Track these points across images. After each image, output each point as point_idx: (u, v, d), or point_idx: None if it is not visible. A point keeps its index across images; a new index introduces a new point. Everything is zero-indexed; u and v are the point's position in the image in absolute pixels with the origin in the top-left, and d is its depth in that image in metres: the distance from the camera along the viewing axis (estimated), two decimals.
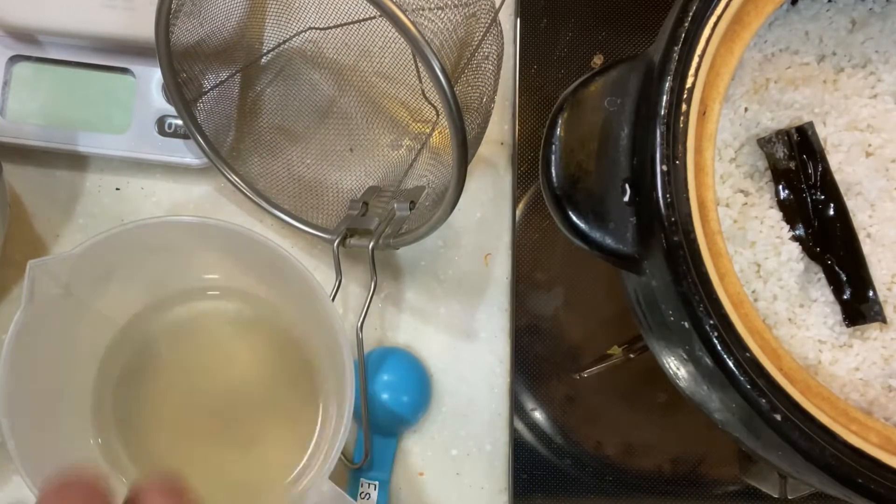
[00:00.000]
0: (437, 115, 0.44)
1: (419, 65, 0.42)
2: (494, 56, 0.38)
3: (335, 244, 0.42)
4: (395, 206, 0.41)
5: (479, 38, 0.36)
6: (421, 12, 0.33)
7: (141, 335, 0.41)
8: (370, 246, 0.40)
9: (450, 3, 0.34)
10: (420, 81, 0.43)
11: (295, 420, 0.41)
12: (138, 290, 0.41)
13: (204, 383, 0.41)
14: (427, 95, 0.44)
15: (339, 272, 0.41)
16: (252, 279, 0.41)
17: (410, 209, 0.40)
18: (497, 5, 0.37)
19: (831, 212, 0.33)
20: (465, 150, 0.33)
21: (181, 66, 0.40)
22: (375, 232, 0.40)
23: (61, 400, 0.38)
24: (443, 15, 0.34)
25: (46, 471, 0.33)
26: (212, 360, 0.42)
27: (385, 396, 0.43)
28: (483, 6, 0.36)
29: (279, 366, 0.42)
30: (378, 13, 0.30)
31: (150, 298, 0.41)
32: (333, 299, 0.41)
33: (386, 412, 0.43)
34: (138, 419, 0.40)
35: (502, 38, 0.38)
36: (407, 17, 0.29)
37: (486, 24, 0.36)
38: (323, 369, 0.41)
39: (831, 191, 0.33)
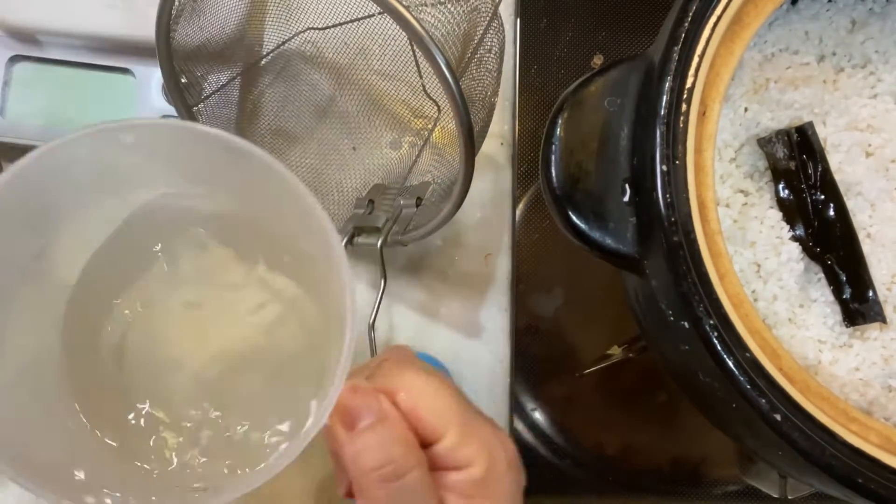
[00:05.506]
0: (439, 111, 0.44)
1: (420, 61, 0.42)
2: (497, 49, 0.38)
3: (343, 243, 0.41)
4: (402, 203, 0.41)
5: (482, 31, 0.36)
6: (423, 8, 0.33)
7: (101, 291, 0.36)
8: (379, 244, 0.40)
9: None
10: (421, 78, 0.43)
11: (294, 368, 0.37)
12: (88, 240, 0.35)
13: (190, 333, 0.37)
14: (428, 91, 0.44)
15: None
16: (224, 196, 0.35)
17: (417, 206, 0.40)
18: None
19: (831, 212, 0.33)
20: (471, 143, 0.33)
21: (182, 69, 0.40)
22: (383, 229, 0.40)
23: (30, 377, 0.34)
24: (444, 10, 0.34)
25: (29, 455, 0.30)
26: (201, 306, 0.37)
27: None
28: (484, 0, 0.36)
29: (272, 308, 0.38)
30: (380, 10, 0.30)
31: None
32: None
33: None
34: (121, 379, 0.36)
35: (503, 31, 0.38)
36: (410, 13, 0.29)
37: (488, 18, 0.36)
38: (322, 303, 0.36)
39: (831, 191, 0.33)
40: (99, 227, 0.35)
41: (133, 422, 0.36)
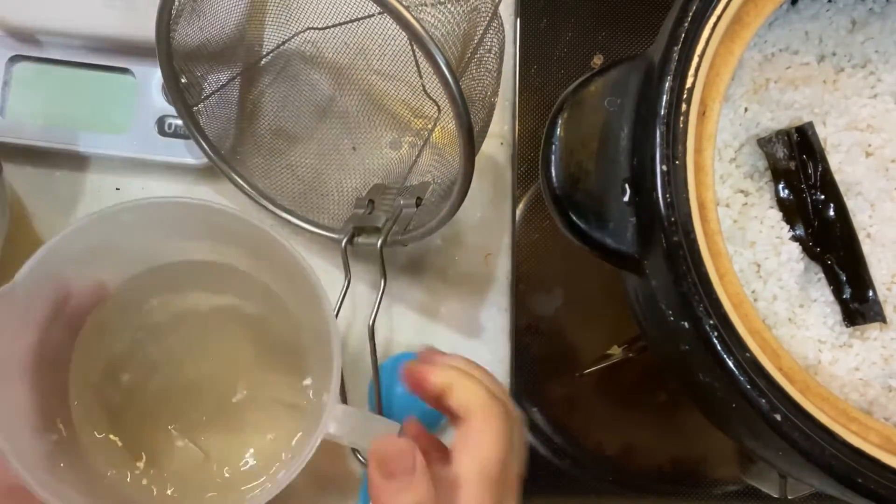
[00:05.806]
0: (439, 111, 0.44)
1: (420, 61, 0.42)
2: (497, 49, 0.38)
3: (343, 243, 0.41)
4: (402, 203, 0.41)
5: (482, 31, 0.36)
6: (423, 8, 0.33)
7: (116, 332, 0.39)
8: (379, 244, 0.40)
9: None
10: (420, 77, 0.43)
11: (284, 399, 0.40)
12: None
13: (188, 369, 0.40)
14: (428, 91, 0.44)
15: (347, 271, 0.41)
16: (225, 257, 0.39)
17: (417, 206, 0.40)
18: None
19: (831, 212, 0.33)
20: (471, 143, 0.33)
21: (182, 69, 0.40)
22: (383, 229, 0.40)
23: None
24: (444, 10, 0.33)
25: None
26: (196, 346, 0.40)
27: (407, 400, 0.43)
28: (484, 0, 0.36)
29: (264, 346, 0.40)
30: (380, 10, 0.30)
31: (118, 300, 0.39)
32: (343, 299, 0.41)
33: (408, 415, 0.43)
34: (126, 407, 0.39)
35: (503, 30, 0.38)
36: (410, 13, 0.29)
37: (488, 18, 0.36)
38: (310, 344, 0.39)
39: (831, 191, 0.33)
40: (114, 279, 0.39)
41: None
